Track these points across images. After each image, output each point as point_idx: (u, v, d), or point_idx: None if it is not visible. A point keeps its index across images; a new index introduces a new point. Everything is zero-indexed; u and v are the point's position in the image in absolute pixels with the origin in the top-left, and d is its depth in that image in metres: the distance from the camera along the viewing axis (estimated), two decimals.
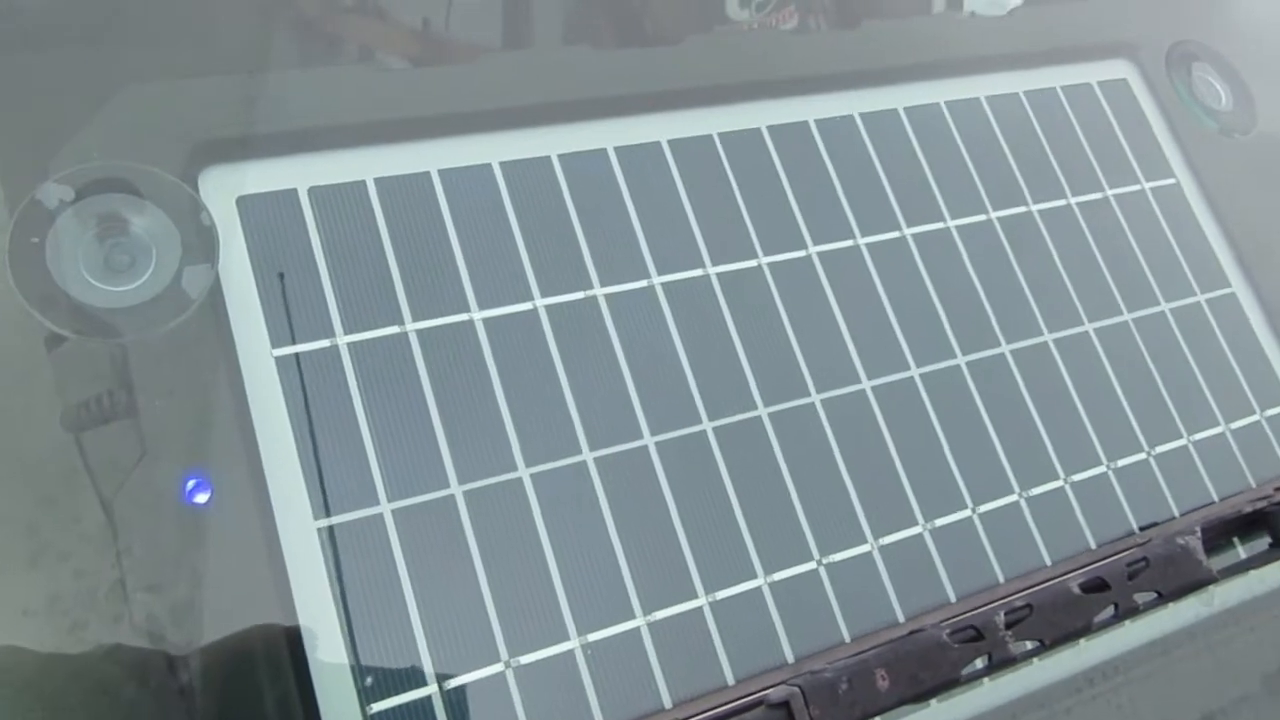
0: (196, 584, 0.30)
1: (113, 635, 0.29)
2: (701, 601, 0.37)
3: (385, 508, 0.34)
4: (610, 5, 0.48)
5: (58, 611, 0.29)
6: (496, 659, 0.34)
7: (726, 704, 0.30)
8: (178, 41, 0.38)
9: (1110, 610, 0.34)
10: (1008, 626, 0.33)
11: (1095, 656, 0.38)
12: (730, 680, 0.35)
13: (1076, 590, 0.34)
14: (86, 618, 0.29)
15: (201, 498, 0.32)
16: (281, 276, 0.36)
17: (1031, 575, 0.35)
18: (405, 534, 0.34)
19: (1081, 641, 0.39)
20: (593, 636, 0.35)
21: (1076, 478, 0.44)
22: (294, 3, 0.42)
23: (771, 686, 0.30)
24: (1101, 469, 0.44)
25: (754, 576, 0.38)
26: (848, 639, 0.35)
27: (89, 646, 0.29)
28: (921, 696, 0.31)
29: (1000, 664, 0.32)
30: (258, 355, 0.35)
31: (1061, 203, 0.50)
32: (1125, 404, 0.46)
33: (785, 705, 0.30)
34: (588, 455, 0.37)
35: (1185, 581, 0.37)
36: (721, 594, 0.37)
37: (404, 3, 0.44)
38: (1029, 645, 0.33)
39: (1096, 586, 0.35)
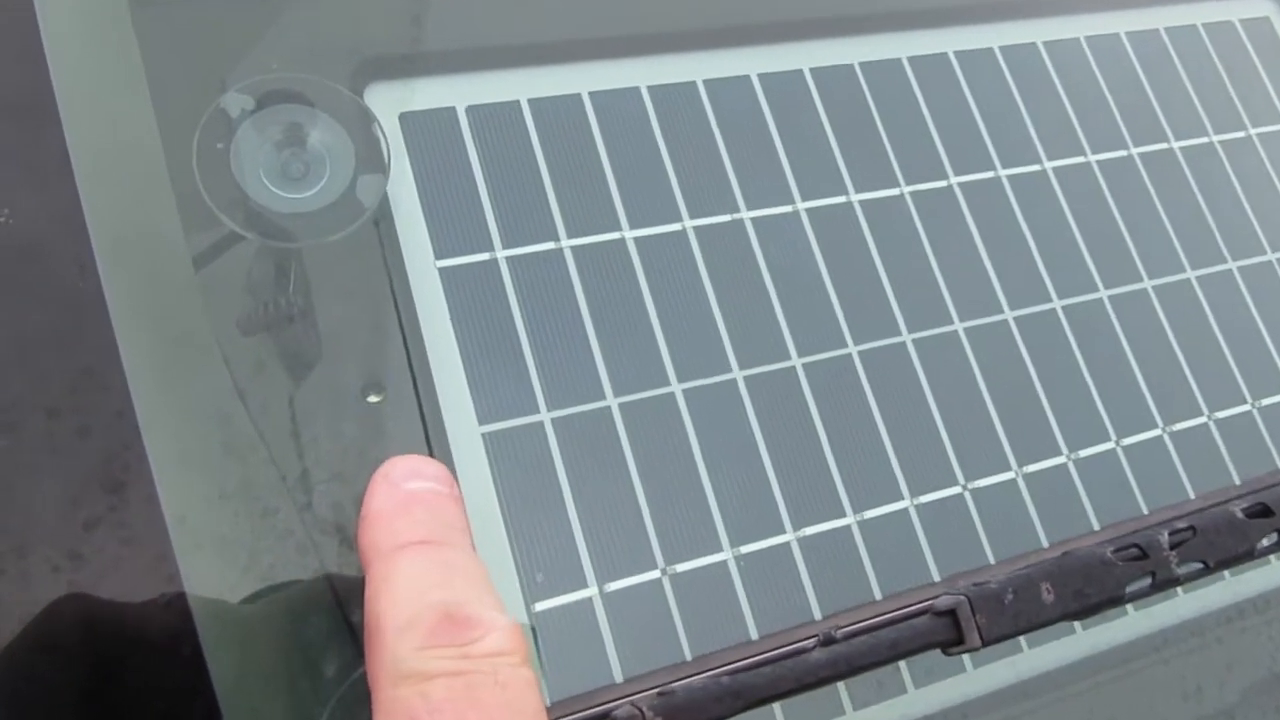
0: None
1: (298, 523, 0.30)
2: (850, 520, 0.37)
3: (545, 416, 0.35)
4: None
5: (250, 497, 0.30)
6: (653, 566, 0.34)
7: (892, 611, 0.31)
8: None
9: (1275, 537, 0.34)
10: (1171, 548, 0.32)
11: (1252, 588, 0.38)
12: (935, 575, 0.35)
13: (1240, 515, 0.34)
14: (276, 504, 0.30)
15: (375, 397, 0.33)
16: (443, 190, 0.37)
17: (1190, 503, 0.35)
18: (564, 442, 0.35)
19: (1227, 575, 0.39)
20: (745, 549, 0.35)
21: (1220, 415, 0.43)
22: None
23: (936, 597, 0.30)
24: (1245, 407, 0.44)
25: (900, 498, 0.38)
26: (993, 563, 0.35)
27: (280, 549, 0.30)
28: (1086, 612, 0.31)
29: (1165, 584, 0.32)
30: (423, 265, 0.35)
31: (1204, 140, 0.48)
32: (1270, 342, 0.45)
33: (951, 613, 0.30)
34: (737, 373, 0.38)
35: None
36: (869, 513, 0.37)
37: None
38: (1193, 566, 0.33)
39: (1260, 512, 0.34)
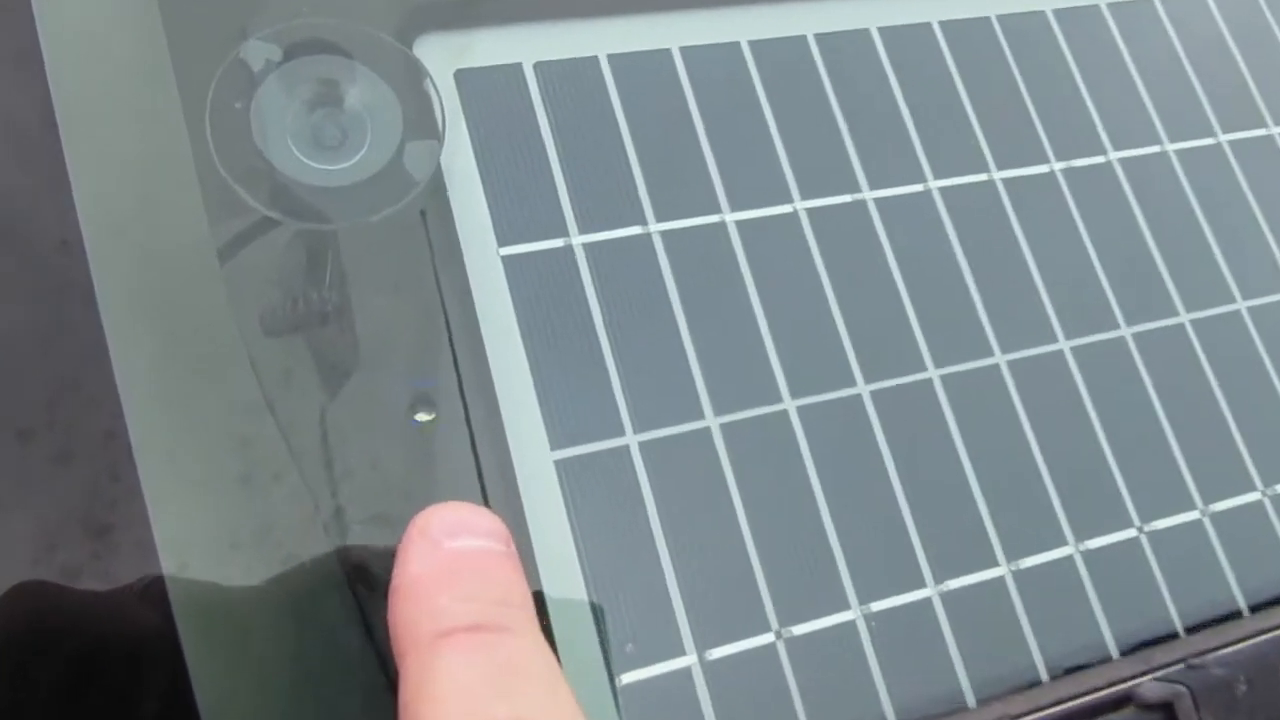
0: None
1: (330, 570, 0.24)
2: (1002, 570, 0.30)
3: (632, 439, 0.29)
4: None
5: (270, 543, 0.24)
6: (766, 628, 0.28)
7: (1076, 699, 0.24)
8: None
9: None
10: None
11: None
12: (1110, 643, 0.28)
13: None
14: (301, 551, 0.24)
15: (424, 415, 0.27)
16: (508, 162, 0.30)
17: None
18: (656, 471, 0.28)
19: None
20: (876, 605, 0.29)
21: None
22: None
23: (1145, 675, 0.23)
24: None
25: (1129, 525, 0.31)
26: (1245, 609, 0.28)
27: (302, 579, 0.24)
28: None
29: None
30: (484, 253, 0.29)
31: None
32: None
33: (1166, 707, 0.23)
34: (863, 388, 0.31)
35: None
36: (1025, 563, 0.30)
37: None
38: None
39: None
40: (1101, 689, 0.25)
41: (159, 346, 0.25)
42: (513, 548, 0.22)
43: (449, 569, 0.20)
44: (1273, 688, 0.24)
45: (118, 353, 0.24)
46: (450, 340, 0.28)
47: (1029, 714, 0.24)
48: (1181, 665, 0.24)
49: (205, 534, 0.23)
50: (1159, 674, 0.24)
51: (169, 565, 0.23)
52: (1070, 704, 0.24)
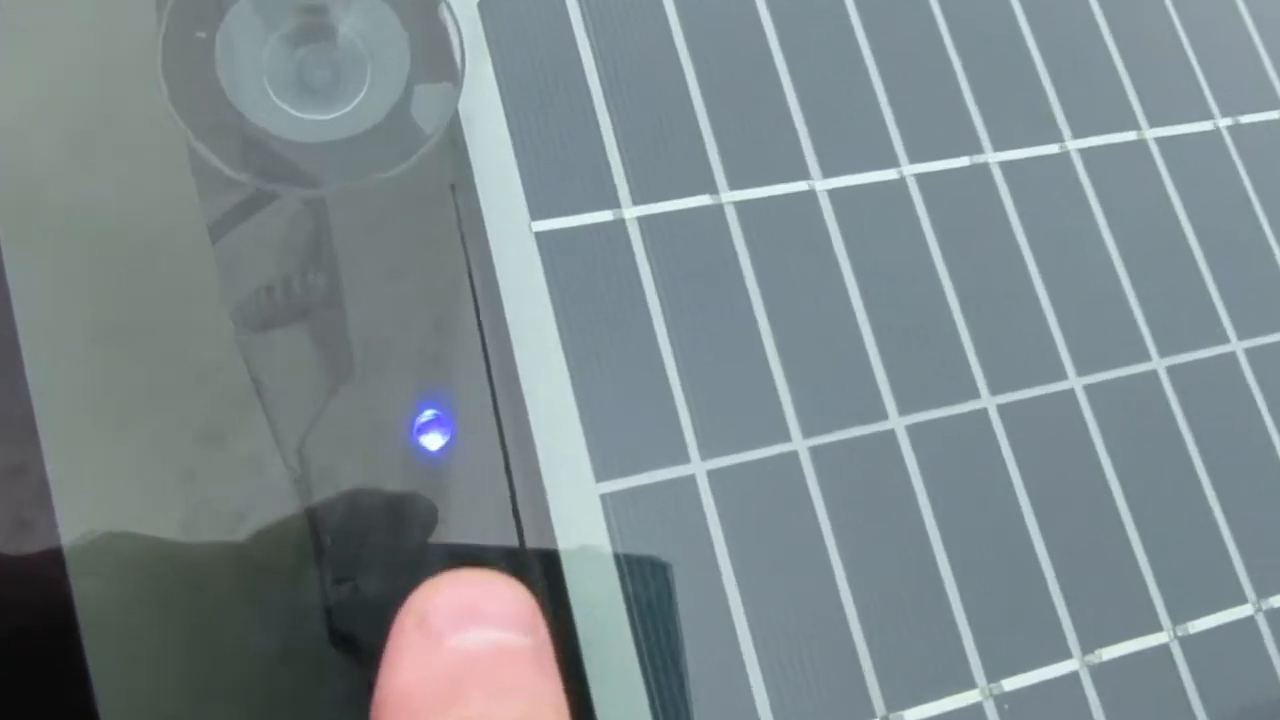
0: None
1: (310, 650, 0.18)
2: (1252, 607, 0.24)
3: (698, 467, 0.22)
4: None
5: (217, 621, 0.18)
6: (870, 715, 0.22)
7: None
8: None
9: None
10: None
11: None
12: None
13: None
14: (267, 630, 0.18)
15: (434, 440, 0.21)
16: (544, 112, 0.24)
17: None
18: (726, 508, 0.22)
19: None
20: (1008, 683, 0.23)
21: None
22: None
23: None
24: None
25: None
26: None
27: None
28: None
29: None
30: (512, 228, 0.23)
31: None
32: None
33: None
34: (989, 400, 0.25)
35: None
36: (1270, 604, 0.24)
37: None
38: None
39: None
40: None
41: (84, 348, 0.19)
42: (541, 634, 0.16)
43: (452, 679, 0.14)
44: None
45: (30, 355, 0.19)
46: (470, 340, 0.22)
47: None
48: None
49: (134, 591, 0.18)
50: None
51: (88, 627, 0.17)
52: None
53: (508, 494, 0.21)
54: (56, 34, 0.21)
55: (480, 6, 0.24)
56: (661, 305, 0.23)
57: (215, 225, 0.21)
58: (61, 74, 0.21)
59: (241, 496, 0.19)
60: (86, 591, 0.18)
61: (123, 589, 0.18)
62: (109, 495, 0.19)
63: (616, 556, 0.21)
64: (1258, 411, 0.26)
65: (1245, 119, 0.29)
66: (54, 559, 0.18)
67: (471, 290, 0.22)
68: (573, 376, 0.22)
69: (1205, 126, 0.29)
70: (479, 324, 0.22)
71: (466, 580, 0.16)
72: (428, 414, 0.20)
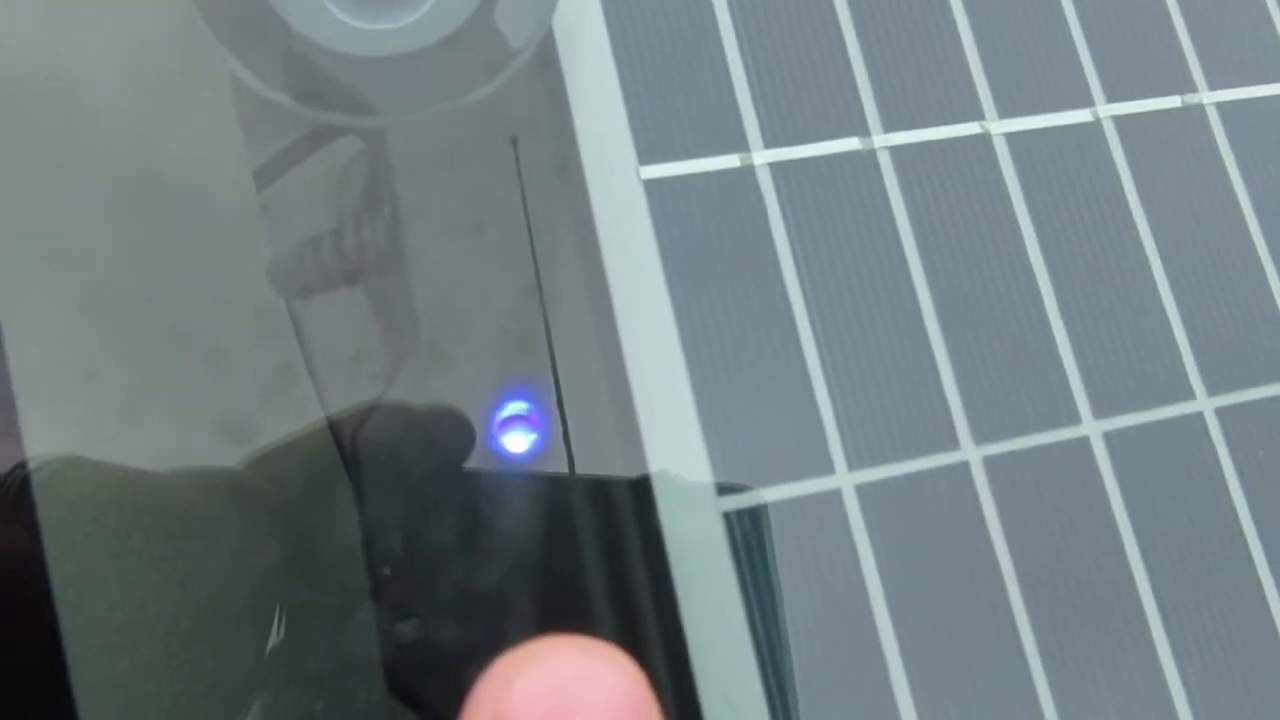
0: (524, 621, 0.15)
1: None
2: None
3: (845, 479, 0.18)
4: None
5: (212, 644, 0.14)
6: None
7: None
8: None
9: None
10: None
11: None
12: None
13: None
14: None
15: (519, 440, 0.16)
16: (658, 30, 0.19)
17: None
18: (883, 530, 0.18)
19: None
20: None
21: None
22: None
23: None
24: None
25: None
26: None
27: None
28: None
29: None
30: (617, 173, 0.18)
31: None
32: None
33: None
34: (1205, 402, 0.20)
35: None
36: None
37: None
38: None
39: None
40: None
41: (69, 327, 0.15)
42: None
43: None
44: None
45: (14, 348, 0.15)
46: (562, 312, 0.17)
47: None
48: None
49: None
50: None
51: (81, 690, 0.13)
52: None
53: (610, 511, 0.16)
54: None
55: None
56: (799, 271, 0.19)
57: (260, 171, 0.17)
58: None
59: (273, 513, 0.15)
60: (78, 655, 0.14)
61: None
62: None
63: (743, 584, 0.17)
64: None
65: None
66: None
67: (566, 254, 0.17)
68: (688, 360, 0.18)
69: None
70: (575, 300, 0.17)
71: (559, 658, 0.12)
72: (512, 407, 0.16)
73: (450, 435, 0.16)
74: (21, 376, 0.15)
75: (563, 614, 0.15)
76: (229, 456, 0.14)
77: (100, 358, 0.15)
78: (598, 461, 0.16)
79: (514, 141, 0.18)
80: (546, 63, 0.18)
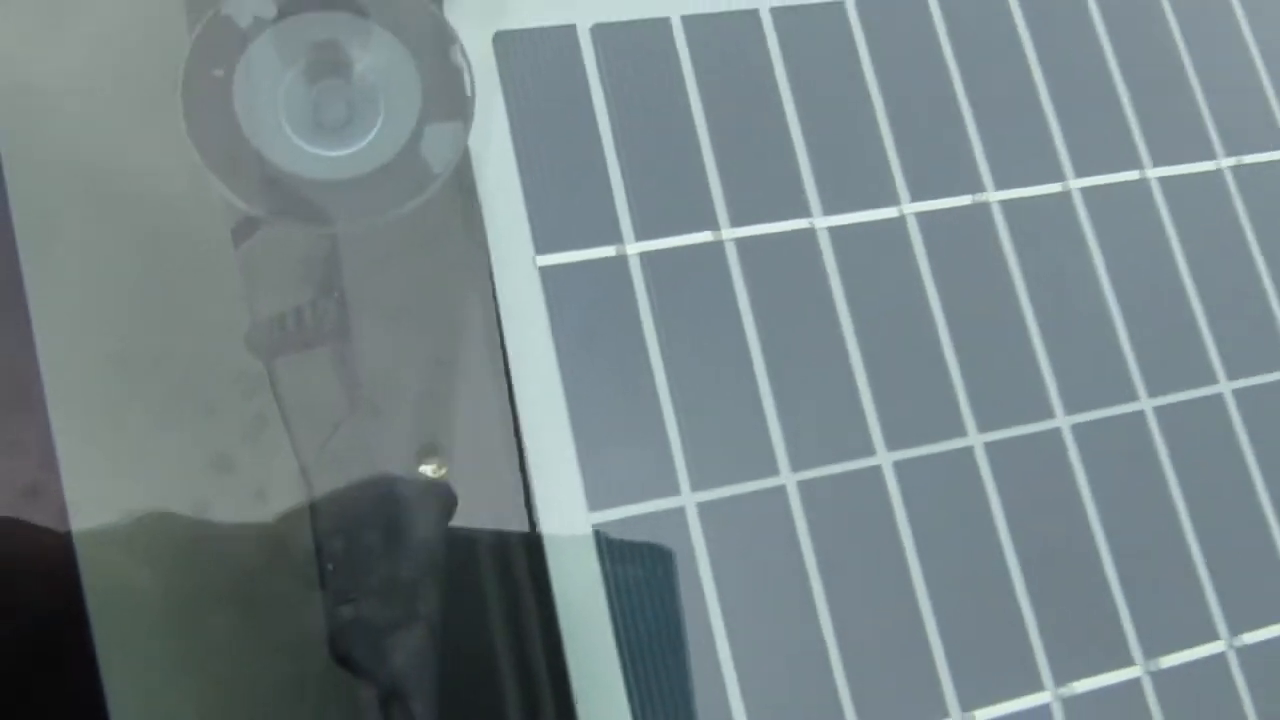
0: (431, 606, 0.20)
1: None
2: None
3: (688, 499, 0.23)
4: None
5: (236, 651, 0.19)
6: None
7: None
8: None
9: None
10: None
11: None
12: None
13: None
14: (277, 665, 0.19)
15: (433, 466, 0.22)
16: (552, 149, 0.25)
17: None
18: (715, 541, 0.23)
19: None
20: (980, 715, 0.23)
21: None
22: None
23: None
24: None
25: None
26: None
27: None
28: None
29: None
30: (517, 263, 0.24)
31: None
32: None
33: None
34: (975, 438, 0.25)
35: None
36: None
37: None
38: None
39: None
40: None
41: (90, 373, 0.21)
42: None
43: None
44: None
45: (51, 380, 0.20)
46: (474, 373, 0.23)
47: None
48: None
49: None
50: None
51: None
52: None
53: (504, 522, 0.22)
54: (84, 36, 0.22)
55: (494, 41, 0.25)
56: (659, 337, 0.24)
57: (238, 229, 0.22)
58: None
59: (247, 521, 0.20)
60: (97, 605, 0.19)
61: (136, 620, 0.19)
62: (122, 517, 0.20)
63: (606, 583, 0.22)
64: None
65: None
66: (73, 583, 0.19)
67: (474, 326, 0.23)
68: (570, 411, 0.23)
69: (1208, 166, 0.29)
70: (481, 361, 0.22)
71: None
72: (429, 446, 0.21)
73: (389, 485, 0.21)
74: (59, 421, 0.20)
75: (460, 600, 0.21)
76: (220, 485, 0.19)
77: (123, 408, 0.20)
78: (496, 487, 0.22)
79: (460, 226, 0.23)
80: (462, 177, 0.24)
